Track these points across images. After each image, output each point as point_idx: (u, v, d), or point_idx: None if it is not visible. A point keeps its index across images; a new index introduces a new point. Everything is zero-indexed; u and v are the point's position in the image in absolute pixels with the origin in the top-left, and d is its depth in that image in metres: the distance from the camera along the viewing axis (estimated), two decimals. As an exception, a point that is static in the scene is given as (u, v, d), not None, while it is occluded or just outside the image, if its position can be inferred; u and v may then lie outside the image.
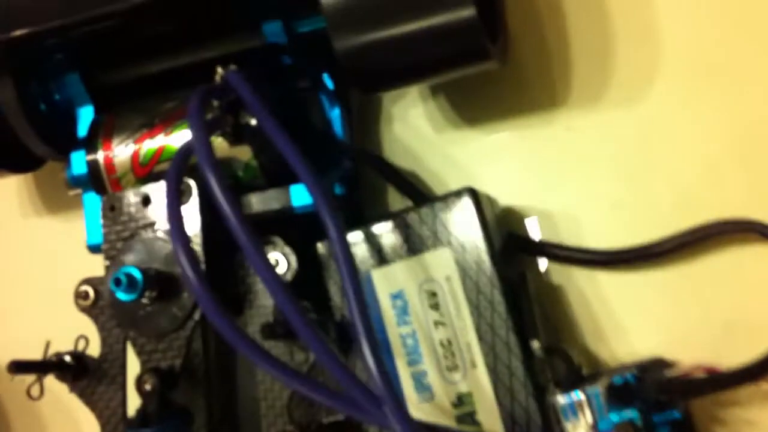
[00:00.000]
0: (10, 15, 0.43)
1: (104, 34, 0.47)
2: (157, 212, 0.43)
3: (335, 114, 0.47)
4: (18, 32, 0.43)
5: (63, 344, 0.47)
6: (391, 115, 0.51)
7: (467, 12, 0.40)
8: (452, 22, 0.40)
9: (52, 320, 0.51)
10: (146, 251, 0.43)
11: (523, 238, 0.46)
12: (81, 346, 0.47)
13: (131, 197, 0.44)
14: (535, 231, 0.47)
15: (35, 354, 0.46)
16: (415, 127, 0.50)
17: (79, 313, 0.46)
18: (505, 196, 0.47)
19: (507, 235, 0.46)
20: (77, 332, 0.47)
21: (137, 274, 0.41)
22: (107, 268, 0.44)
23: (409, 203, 0.49)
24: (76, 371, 0.46)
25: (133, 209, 0.44)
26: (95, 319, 0.46)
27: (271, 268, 0.37)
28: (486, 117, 0.49)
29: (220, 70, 0.43)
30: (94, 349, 0.46)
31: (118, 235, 0.44)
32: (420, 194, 0.48)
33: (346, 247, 0.39)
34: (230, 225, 0.37)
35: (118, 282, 0.41)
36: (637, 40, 0.47)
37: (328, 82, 0.48)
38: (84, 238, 0.49)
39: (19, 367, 0.43)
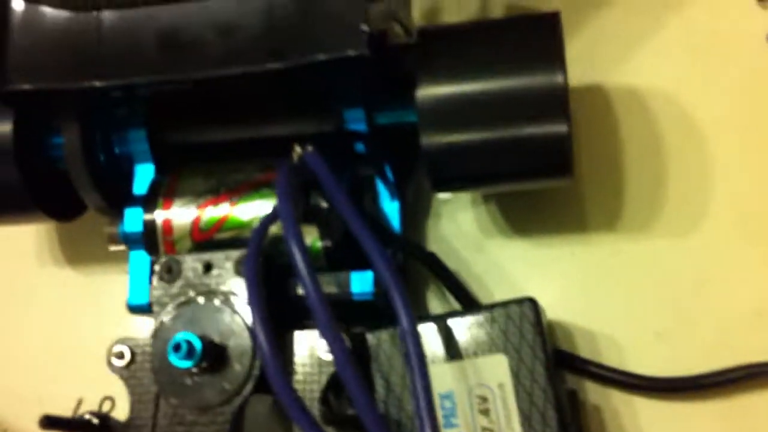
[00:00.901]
0: (98, 64, 0.42)
1: (181, 95, 0.48)
2: (218, 281, 0.43)
3: (394, 206, 0.47)
4: (100, 83, 0.42)
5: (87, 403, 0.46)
6: (440, 214, 0.51)
7: (560, 128, 0.41)
8: (543, 136, 0.41)
9: (71, 377, 0.49)
10: (202, 319, 0.42)
11: (567, 353, 0.47)
12: (106, 407, 0.45)
13: (191, 262, 0.43)
14: (576, 349, 0.48)
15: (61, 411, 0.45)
16: (463, 229, 0.51)
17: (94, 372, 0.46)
18: (548, 309, 0.48)
19: (552, 350, 0.46)
20: (98, 391, 0.46)
21: (197, 342, 0.40)
22: (156, 331, 0.43)
23: (448, 303, 0.49)
24: (99, 433, 0.44)
25: (191, 274, 0.43)
26: (127, 381, 0.45)
27: (347, 351, 0.37)
28: (535, 229, 0.50)
29: (298, 149, 0.43)
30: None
31: (172, 299, 0.43)
32: (469, 298, 0.48)
33: (417, 338, 0.39)
34: (311, 303, 0.37)
35: (177, 348, 0.40)
36: (691, 176, 0.48)
37: (389, 174, 0.48)
38: (108, 294, 0.50)
39: (50, 422, 0.42)
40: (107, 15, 0.42)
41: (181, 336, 0.40)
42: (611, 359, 0.47)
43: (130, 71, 0.42)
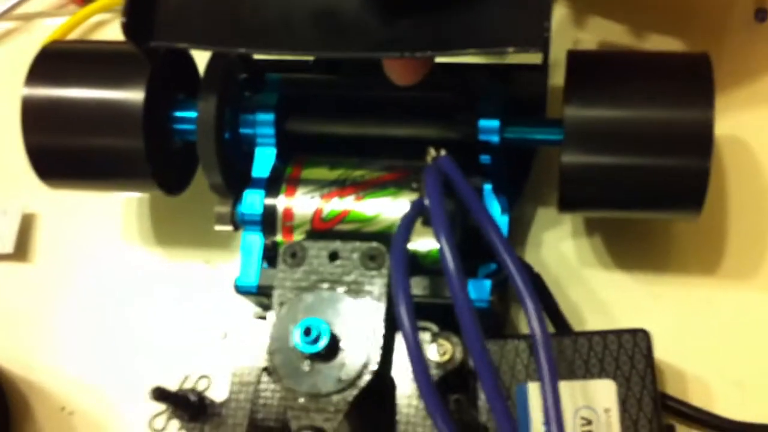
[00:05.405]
0: (251, 32, 0.40)
1: (313, 84, 0.48)
2: (343, 271, 0.43)
3: (504, 220, 0.47)
4: (252, 50, 0.42)
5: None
6: (541, 240, 0.52)
7: (703, 163, 0.42)
8: (685, 169, 0.42)
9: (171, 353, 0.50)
10: (323, 307, 0.42)
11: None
12: (202, 386, 0.45)
13: (316, 250, 0.43)
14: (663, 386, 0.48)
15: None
16: (563, 257, 0.51)
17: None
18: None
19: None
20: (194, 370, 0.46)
21: (327, 329, 0.40)
22: (277, 314, 0.42)
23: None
24: (195, 411, 0.44)
25: (316, 262, 0.43)
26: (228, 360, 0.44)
27: (489, 357, 0.37)
28: (634, 265, 0.51)
29: (432, 152, 0.43)
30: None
31: (294, 283, 0.43)
32: (565, 325, 0.48)
33: (549, 347, 0.38)
34: (458, 306, 0.37)
35: (308, 332, 0.40)
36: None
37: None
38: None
39: (161, 394, 0.41)
40: (266, -14, 0.42)
41: (312, 320, 0.40)
42: (697, 401, 0.48)
43: (283, 43, 0.41)
